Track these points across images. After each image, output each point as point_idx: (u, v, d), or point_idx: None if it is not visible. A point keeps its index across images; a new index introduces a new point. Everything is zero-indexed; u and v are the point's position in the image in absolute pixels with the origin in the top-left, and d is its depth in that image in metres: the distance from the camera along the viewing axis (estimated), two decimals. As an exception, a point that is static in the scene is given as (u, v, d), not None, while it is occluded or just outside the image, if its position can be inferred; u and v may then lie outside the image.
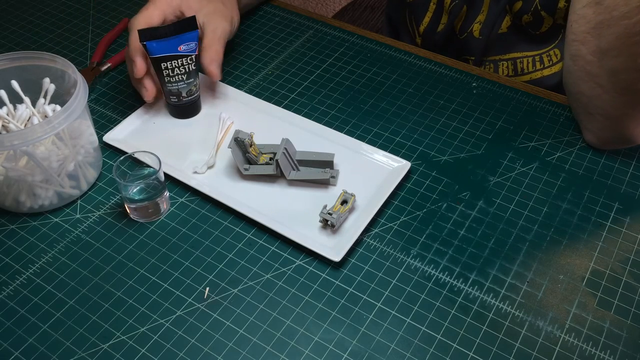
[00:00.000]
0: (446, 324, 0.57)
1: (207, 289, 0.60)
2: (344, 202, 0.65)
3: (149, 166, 0.66)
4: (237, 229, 0.65)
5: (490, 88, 0.81)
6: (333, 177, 0.68)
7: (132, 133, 0.75)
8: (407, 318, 0.58)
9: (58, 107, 0.68)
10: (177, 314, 0.58)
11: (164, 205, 0.66)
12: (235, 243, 0.64)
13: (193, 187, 0.68)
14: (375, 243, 0.64)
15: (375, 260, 0.62)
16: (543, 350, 0.55)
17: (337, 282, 0.60)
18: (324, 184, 0.68)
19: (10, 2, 0.97)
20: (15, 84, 0.66)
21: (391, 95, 0.80)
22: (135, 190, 0.65)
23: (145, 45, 0.70)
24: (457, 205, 0.67)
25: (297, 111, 0.77)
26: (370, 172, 0.69)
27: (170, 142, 0.74)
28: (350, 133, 0.75)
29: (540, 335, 0.57)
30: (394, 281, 0.61)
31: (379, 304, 0.59)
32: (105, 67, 0.83)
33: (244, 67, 0.85)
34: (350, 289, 0.60)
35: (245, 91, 0.80)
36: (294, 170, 0.69)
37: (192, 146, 0.73)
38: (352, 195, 0.65)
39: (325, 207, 0.64)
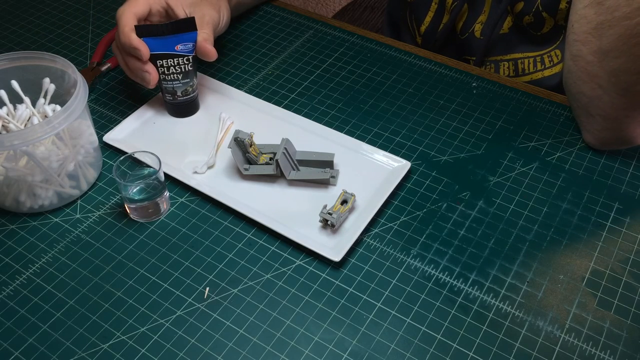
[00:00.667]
0: (446, 324, 0.57)
1: (207, 289, 0.60)
2: (344, 202, 0.65)
3: (149, 166, 0.66)
4: (237, 229, 0.65)
5: (490, 88, 0.81)
6: (333, 177, 0.68)
7: (132, 133, 0.75)
8: (407, 318, 0.58)
9: (58, 107, 0.68)
10: (177, 314, 0.58)
11: (164, 205, 0.66)
12: (235, 243, 0.64)
13: (193, 187, 0.68)
14: (375, 243, 0.64)
15: (375, 260, 0.62)
16: (543, 350, 0.55)
17: (337, 282, 0.60)
18: (324, 184, 0.68)
19: (10, 2, 0.97)
20: (15, 84, 0.66)
21: (391, 95, 0.80)
22: (135, 190, 0.65)
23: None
24: (457, 205, 0.67)
25: (297, 111, 0.77)
26: (370, 172, 0.69)
27: (170, 142, 0.74)
28: (350, 133, 0.75)
29: (540, 335, 0.57)
30: (394, 281, 0.61)
31: (379, 304, 0.59)
32: (105, 67, 0.83)
33: (244, 67, 0.85)
34: (350, 289, 0.60)
35: (245, 91, 0.80)
36: (294, 170, 0.69)
37: (192, 146, 0.73)
38: (352, 195, 0.65)
39: (325, 207, 0.64)
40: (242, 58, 0.86)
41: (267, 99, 0.79)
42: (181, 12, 0.74)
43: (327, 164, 0.69)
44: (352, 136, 0.74)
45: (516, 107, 0.78)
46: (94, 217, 0.66)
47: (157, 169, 0.63)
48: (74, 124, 0.64)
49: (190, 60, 0.72)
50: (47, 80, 0.68)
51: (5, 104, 0.66)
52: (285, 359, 0.55)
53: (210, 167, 0.70)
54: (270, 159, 0.68)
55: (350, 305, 0.59)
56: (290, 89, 0.81)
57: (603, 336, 0.56)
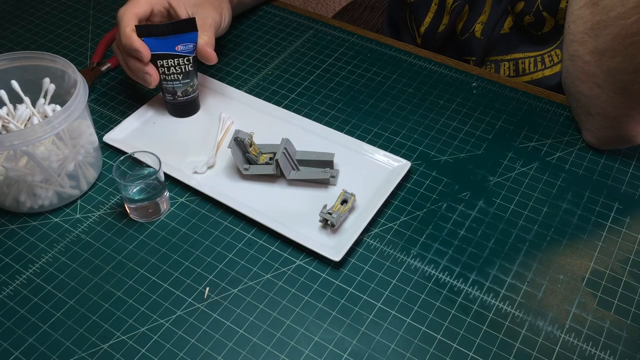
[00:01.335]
0: (446, 324, 0.57)
1: (207, 289, 0.60)
2: (344, 201, 0.65)
3: (149, 166, 0.66)
4: (237, 229, 0.65)
5: (490, 88, 0.81)
6: (333, 176, 0.68)
7: (132, 133, 0.75)
8: (407, 318, 0.58)
9: (58, 107, 0.68)
10: (177, 314, 0.58)
11: (164, 205, 0.66)
12: (235, 243, 0.64)
13: (193, 187, 0.68)
14: (375, 243, 0.64)
15: (375, 260, 0.62)
16: (543, 350, 0.55)
17: (337, 282, 0.60)
18: (324, 183, 0.68)
19: (10, 2, 0.97)
20: (15, 84, 0.66)
21: (391, 95, 0.80)
22: (135, 190, 0.65)
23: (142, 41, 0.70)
24: (457, 205, 0.67)
25: (297, 111, 0.77)
26: (370, 172, 0.69)
27: (170, 142, 0.74)
28: (350, 133, 0.75)
29: (540, 335, 0.57)
30: (394, 281, 0.61)
31: (379, 304, 0.59)
32: (105, 67, 0.83)
33: (244, 67, 0.85)
34: (350, 289, 0.60)
35: (245, 91, 0.80)
36: (294, 170, 0.69)
37: (192, 146, 0.73)
38: (352, 195, 0.65)
39: (325, 206, 0.64)
40: (242, 58, 0.86)
41: (267, 99, 0.79)
42: (183, 13, 0.74)
43: (327, 164, 0.69)
44: (352, 136, 0.74)
45: (516, 107, 0.78)
46: (94, 217, 0.66)
47: (157, 169, 0.63)
48: (74, 124, 0.64)
49: (191, 61, 0.72)
50: (47, 80, 0.68)
51: (5, 104, 0.66)
52: (285, 359, 0.55)
53: (210, 167, 0.70)
54: (270, 159, 0.68)
55: (350, 305, 0.59)
56: (290, 89, 0.81)
57: (603, 336, 0.56)
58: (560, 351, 0.55)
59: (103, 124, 0.77)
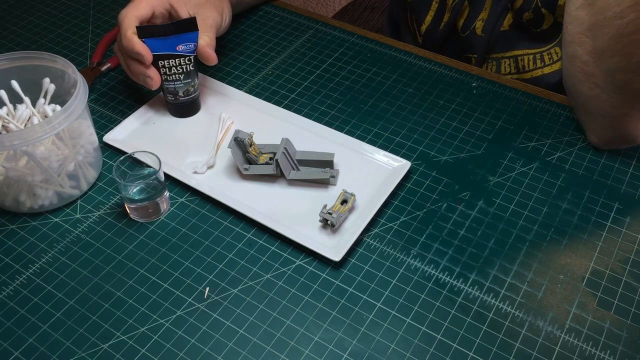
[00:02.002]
0: (446, 324, 0.57)
1: (207, 289, 0.60)
2: (344, 201, 0.65)
3: (149, 166, 0.66)
4: (237, 229, 0.65)
5: (490, 88, 0.81)
6: (333, 176, 0.68)
7: (132, 133, 0.75)
8: (407, 318, 0.58)
9: (58, 107, 0.68)
10: (177, 314, 0.58)
11: (164, 205, 0.66)
12: (235, 243, 0.64)
13: (193, 187, 0.68)
14: (375, 243, 0.64)
15: (375, 260, 0.62)
16: (543, 350, 0.55)
17: (337, 282, 0.60)
18: (324, 183, 0.68)
19: (10, 2, 0.97)
20: (15, 84, 0.66)
21: (391, 95, 0.80)
22: (135, 190, 0.65)
23: (144, 42, 0.70)
24: (457, 205, 0.67)
25: (297, 111, 0.77)
26: (370, 172, 0.69)
27: (170, 142, 0.74)
28: (350, 133, 0.75)
29: (540, 335, 0.57)
30: (394, 281, 0.61)
31: (379, 304, 0.59)
32: (105, 67, 0.83)
33: (244, 67, 0.85)
34: (350, 289, 0.60)
35: (245, 91, 0.80)
36: (294, 170, 0.69)
37: (192, 146, 0.73)
38: (352, 195, 0.65)
39: (325, 206, 0.64)
40: (242, 58, 0.86)
41: (267, 99, 0.79)
42: (185, 14, 0.74)
43: (327, 163, 0.69)
44: (352, 136, 0.74)
45: (516, 107, 0.78)
46: (94, 217, 0.66)
47: (157, 169, 0.63)
48: (74, 124, 0.64)
49: (192, 60, 0.72)
50: (47, 80, 0.68)
51: (5, 104, 0.66)
52: (285, 359, 0.55)
53: (210, 167, 0.70)
54: (270, 159, 0.68)
55: (350, 305, 0.59)
56: (290, 89, 0.81)
57: (603, 336, 0.56)
58: (560, 351, 0.55)
59: (103, 124, 0.77)
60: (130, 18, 0.70)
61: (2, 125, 0.66)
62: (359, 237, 0.63)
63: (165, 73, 0.72)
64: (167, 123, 0.76)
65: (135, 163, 0.67)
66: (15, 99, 0.66)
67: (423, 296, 0.59)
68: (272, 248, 0.63)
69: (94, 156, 0.69)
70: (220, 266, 0.62)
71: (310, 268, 0.62)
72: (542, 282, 0.60)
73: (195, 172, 0.70)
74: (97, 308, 0.59)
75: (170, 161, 0.70)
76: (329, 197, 0.67)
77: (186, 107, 0.76)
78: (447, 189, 0.69)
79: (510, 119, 0.77)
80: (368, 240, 0.64)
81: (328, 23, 0.92)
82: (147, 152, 0.65)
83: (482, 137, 0.74)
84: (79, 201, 0.68)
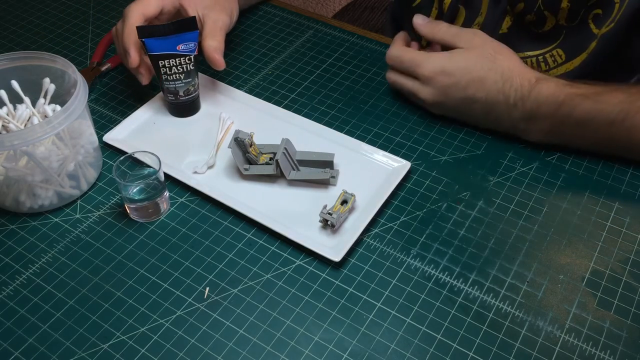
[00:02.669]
0: (446, 324, 0.57)
1: (207, 289, 0.60)
2: (344, 202, 0.65)
3: (149, 166, 0.66)
4: (237, 229, 0.65)
5: (490, 88, 0.81)
6: (333, 177, 0.68)
7: (132, 133, 0.75)
8: (407, 318, 0.58)
9: (58, 107, 0.68)
10: (177, 314, 0.58)
11: (164, 205, 0.66)
12: (235, 243, 0.64)
13: (193, 187, 0.68)
14: (375, 243, 0.64)
15: (375, 260, 0.62)
16: (543, 350, 0.55)
17: (337, 282, 0.60)
18: (324, 184, 0.68)
19: (10, 2, 0.97)
20: (15, 84, 0.66)
21: (391, 95, 0.80)
22: (135, 190, 0.65)
23: (144, 42, 0.70)
24: (457, 205, 0.67)
25: (297, 111, 0.77)
26: (370, 172, 0.69)
27: (170, 142, 0.74)
28: (350, 133, 0.75)
29: (540, 335, 0.57)
30: (394, 281, 0.61)
31: (379, 304, 0.59)
32: (105, 67, 0.83)
33: (244, 67, 0.85)
34: (350, 289, 0.60)
35: (245, 91, 0.80)
36: (294, 170, 0.69)
37: (192, 146, 0.73)
38: (352, 195, 0.65)
39: (325, 207, 0.64)
40: (242, 58, 0.86)
41: (267, 99, 0.79)
42: (192, 11, 0.74)
43: (327, 164, 0.69)
44: (352, 136, 0.74)
45: (516, 107, 0.78)
46: (94, 217, 0.66)
47: (157, 169, 0.63)
48: (74, 124, 0.64)
49: (192, 60, 0.72)
50: (47, 80, 0.68)
51: (5, 104, 0.66)
52: (285, 359, 0.55)
53: (210, 167, 0.70)
54: (270, 159, 0.68)
55: (350, 305, 0.59)
56: (290, 89, 0.81)
57: (603, 336, 0.56)
58: (560, 351, 0.55)
59: (103, 124, 0.77)
60: (135, 16, 0.71)
61: (2, 125, 0.66)
62: (359, 237, 0.63)
63: (165, 73, 0.72)
64: (167, 123, 0.76)
65: (135, 163, 0.67)
66: (15, 99, 0.66)
67: (423, 296, 0.59)
68: (272, 248, 0.63)
69: (94, 156, 0.69)
70: (220, 266, 0.62)
71: (310, 268, 0.62)
72: (542, 282, 0.60)
73: (195, 172, 0.70)
74: (97, 308, 0.59)
75: (170, 161, 0.70)
76: (329, 197, 0.67)
77: (187, 107, 0.76)
78: (447, 189, 0.69)
79: (510, 119, 0.77)
80: (368, 240, 0.64)
81: (328, 23, 0.92)
82: (147, 152, 0.65)
83: (482, 137, 0.74)
84: (79, 201, 0.68)
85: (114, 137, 0.73)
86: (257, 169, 0.68)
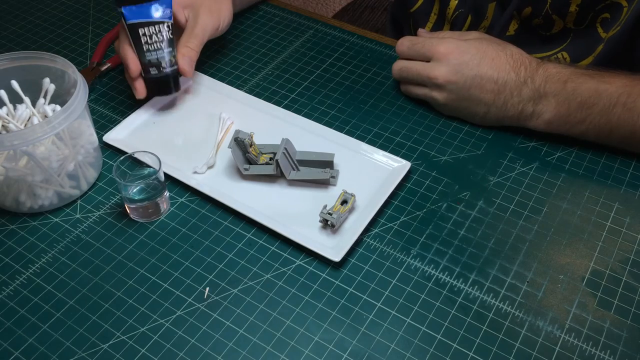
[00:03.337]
0: (446, 324, 0.57)
1: (207, 289, 0.60)
2: (344, 202, 0.65)
3: (149, 166, 0.66)
4: (237, 229, 0.65)
5: (490, 88, 0.81)
6: (333, 177, 0.68)
7: (132, 133, 0.75)
8: (407, 318, 0.58)
9: (58, 107, 0.68)
10: (177, 314, 0.58)
11: (164, 205, 0.66)
12: (235, 243, 0.64)
13: (193, 187, 0.68)
14: (375, 243, 0.64)
15: (375, 260, 0.62)
16: (543, 350, 0.55)
17: (337, 282, 0.60)
18: (324, 184, 0.68)
19: (10, 2, 0.97)
20: (15, 84, 0.66)
21: (391, 95, 0.80)
22: (135, 190, 0.65)
23: (123, 13, 0.70)
24: (457, 205, 0.67)
25: (297, 111, 0.77)
26: (370, 172, 0.69)
27: (170, 142, 0.74)
28: (350, 133, 0.75)
29: (540, 335, 0.57)
30: (394, 281, 0.61)
31: (379, 304, 0.59)
32: (105, 67, 0.83)
33: (244, 67, 0.85)
34: (350, 289, 0.60)
35: (245, 91, 0.80)
36: (294, 170, 0.69)
37: (192, 146, 0.73)
38: (352, 195, 0.65)
39: (325, 207, 0.64)
40: (242, 58, 0.86)
41: (267, 99, 0.79)
42: (181, 16, 0.75)
43: (327, 164, 0.69)
44: (352, 136, 0.74)
45: (516, 107, 0.78)
46: (94, 217, 0.66)
47: (157, 169, 0.63)
48: (74, 124, 0.64)
49: (170, 27, 0.72)
50: (47, 80, 0.68)
51: (5, 104, 0.66)
52: (285, 359, 0.55)
53: (210, 167, 0.70)
54: (270, 159, 0.68)
55: (350, 305, 0.59)
56: (290, 89, 0.81)
57: (603, 336, 0.56)
58: (560, 351, 0.55)
59: (103, 124, 0.77)
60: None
61: (2, 125, 0.66)
62: (359, 237, 0.63)
63: (146, 42, 0.71)
64: (167, 123, 0.76)
65: (135, 163, 0.67)
66: (15, 99, 0.66)
67: (423, 296, 0.59)
68: (272, 248, 0.63)
69: (94, 156, 0.69)
70: (220, 266, 0.62)
71: (310, 268, 0.62)
72: (542, 282, 0.60)
73: (195, 172, 0.70)
74: (97, 308, 0.59)
75: (170, 161, 0.70)
76: (329, 197, 0.67)
77: (168, 81, 0.74)
78: (447, 189, 0.69)
79: (510, 119, 0.77)
80: (368, 240, 0.64)
81: (328, 23, 0.92)
82: (147, 152, 0.65)
83: (482, 137, 0.74)
84: (79, 201, 0.68)
85: (114, 137, 0.73)
86: (257, 169, 0.68)
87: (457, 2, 0.87)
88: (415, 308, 0.58)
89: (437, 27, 0.91)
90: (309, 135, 0.73)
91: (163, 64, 0.73)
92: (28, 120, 0.67)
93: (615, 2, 0.76)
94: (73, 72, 0.66)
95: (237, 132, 0.67)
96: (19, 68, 0.67)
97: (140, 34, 0.71)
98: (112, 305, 0.59)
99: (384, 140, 0.74)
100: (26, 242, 0.64)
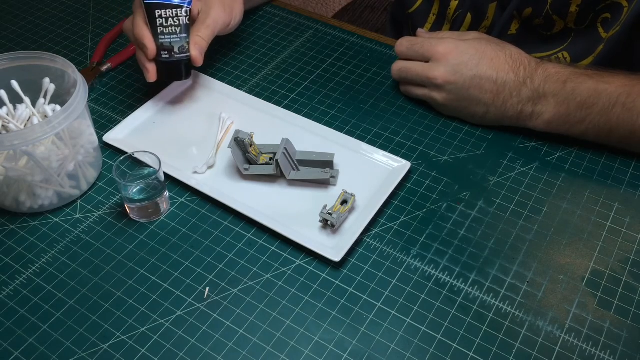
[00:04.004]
0: (446, 324, 0.57)
1: (207, 289, 0.60)
2: (344, 202, 0.65)
3: (149, 166, 0.66)
4: (237, 229, 0.65)
5: (490, 88, 0.81)
6: (333, 177, 0.68)
7: (132, 133, 0.75)
8: (407, 318, 0.58)
9: (58, 107, 0.68)
10: (177, 314, 0.58)
11: (164, 205, 0.66)
12: (235, 243, 0.64)
13: (193, 187, 0.68)
14: (375, 243, 0.64)
15: (375, 260, 0.62)
16: (543, 350, 0.55)
17: (337, 282, 0.60)
18: (324, 184, 0.68)
19: (11, 2, 0.97)
20: (15, 84, 0.66)
21: (391, 95, 0.80)
22: (135, 190, 0.65)
23: None
24: (457, 205, 0.67)
25: (297, 111, 0.77)
26: (370, 172, 0.69)
27: (170, 142, 0.74)
28: (350, 133, 0.75)
29: (540, 335, 0.57)
30: (394, 281, 0.61)
31: (379, 304, 0.59)
32: (105, 67, 0.83)
33: (244, 67, 0.85)
34: (350, 289, 0.60)
35: (245, 91, 0.80)
36: (294, 170, 0.69)
37: (192, 146, 0.73)
38: (352, 195, 0.65)
39: (325, 207, 0.64)
40: (242, 58, 0.86)
41: (267, 99, 0.79)
42: (195, 7, 0.74)
43: (327, 164, 0.69)
44: (352, 136, 0.74)
45: (516, 107, 0.78)
46: (94, 217, 0.66)
47: (157, 169, 0.63)
48: (74, 124, 0.64)
49: (188, 13, 0.72)
50: (47, 80, 0.68)
51: (5, 104, 0.66)
52: (285, 359, 0.55)
53: (210, 167, 0.71)
54: (270, 159, 0.68)
55: (350, 305, 0.59)
56: (290, 89, 0.81)
57: (603, 336, 0.56)
58: (560, 351, 0.55)
59: (103, 124, 0.77)
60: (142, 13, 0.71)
61: (2, 125, 0.66)
62: (359, 237, 0.63)
63: (162, 25, 0.71)
64: (167, 123, 0.76)
65: (135, 163, 0.67)
66: (15, 99, 0.66)
67: (423, 296, 0.59)
68: (272, 248, 0.63)
69: (94, 156, 0.69)
70: (220, 266, 0.62)
71: (310, 268, 0.62)
72: (542, 282, 0.60)
73: (195, 172, 0.70)
74: (97, 308, 0.59)
75: (170, 161, 0.70)
76: (329, 197, 0.67)
77: (179, 68, 0.74)
78: (447, 189, 0.69)
79: (510, 119, 0.77)
80: (368, 240, 0.64)
81: (328, 23, 0.92)
82: (147, 152, 0.65)
83: (482, 137, 0.74)
84: (79, 201, 0.68)
85: (114, 137, 0.73)
86: (257, 169, 0.68)
87: (457, 2, 0.87)
88: (415, 308, 0.58)
89: (437, 28, 0.91)
90: (309, 135, 0.73)
91: (176, 49, 0.72)
92: (28, 120, 0.67)
93: (616, 2, 0.76)
94: (73, 72, 0.66)
95: (237, 132, 0.67)
96: (19, 68, 0.67)
97: (157, 15, 0.70)
98: (112, 305, 0.59)
99: (384, 140, 0.74)
100: (26, 242, 0.64)
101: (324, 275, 0.61)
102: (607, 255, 0.63)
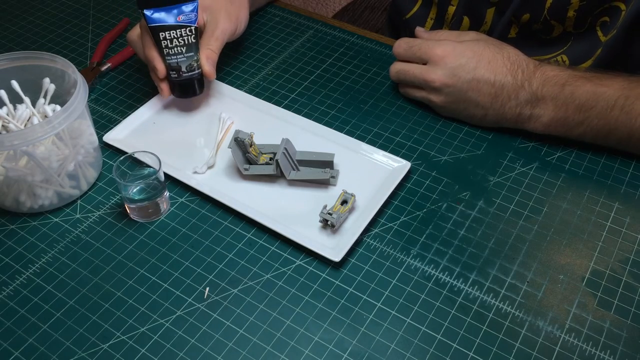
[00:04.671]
0: (446, 324, 0.57)
1: (207, 289, 0.60)
2: (344, 202, 0.65)
3: (149, 166, 0.66)
4: (237, 229, 0.65)
5: (490, 88, 0.81)
6: (333, 177, 0.68)
7: (132, 133, 0.75)
8: (407, 318, 0.58)
9: (58, 107, 0.68)
10: (177, 314, 0.58)
11: (164, 205, 0.66)
12: (235, 243, 0.64)
13: (193, 187, 0.68)
14: (375, 243, 0.64)
15: (375, 260, 0.62)
16: (543, 350, 0.55)
17: (337, 282, 0.60)
18: (324, 184, 0.68)
19: (10, 2, 0.97)
20: (15, 84, 0.66)
21: (391, 95, 0.80)
22: (135, 190, 0.65)
23: (144, 14, 0.70)
24: (457, 205, 0.67)
25: (297, 111, 0.77)
26: (370, 172, 0.69)
27: (170, 142, 0.74)
28: (350, 133, 0.75)
29: (540, 335, 0.57)
30: (394, 281, 0.61)
31: (379, 304, 0.59)
32: (105, 67, 0.83)
33: (244, 67, 0.85)
34: (350, 289, 0.60)
35: (245, 91, 0.80)
36: (294, 170, 0.69)
37: (192, 146, 0.73)
38: (352, 195, 0.65)
39: (325, 207, 0.64)
40: (242, 58, 0.86)
41: (267, 99, 0.79)
42: (200, 19, 0.75)
43: (327, 164, 0.69)
44: (352, 136, 0.74)
45: (516, 107, 0.78)
46: (94, 217, 0.66)
47: (157, 169, 0.63)
48: (74, 124, 0.64)
49: (193, 32, 0.72)
50: (47, 80, 0.68)
51: (5, 104, 0.66)
52: (285, 359, 0.55)
53: (210, 167, 0.71)
54: (270, 159, 0.68)
55: (350, 305, 0.59)
56: (290, 89, 0.81)
57: (603, 336, 0.56)
58: (560, 351, 0.55)
59: (103, 124, 0.77)
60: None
61: (2, 125, 0.66)
62: (359, 237, 0.63)
63: (167, 46, 0.71)
64: (167, 123, 0.76)
65: (135, 163, 0.67)
66: (15, 99, 0.66)
67: (423, 296, 0.59)
68: (272, 248, 0.63)
69: (94, 156, 0.69)
70: (220, 266, 0.62)
71: (310, 268, 0.62)
72: (542, 282, 0.60)
73: (195, 172, 0.70)
74: (97, 308, 0.59)
75: (170, 161, 0.70)
76: (329, 197, 0.67)
77: (189, 85, 0.74)
78: (447, 189, 0.69)
79: (510, 119, 0.77)
80: (368, 240, 0.64)
81: (328, 23, 0.92)
82: (147, 152, 0.65)
83: (482, 137, 0.74)
84: (79, 201, 0.68)
85: (114, 137, 0.73)
86: (257, 169, 0.68)
87: (455, 7, 0.87)
88: (415, 308, 0.58)
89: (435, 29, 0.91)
90: (309, 135, 0.73)
91: (183, 69, 0.73)
92: (28, 120, 0.67)
93: (614, 5, 0.76)
94: (73, 72, 0.66)
95: (237, 132, 0.67)
96: (19, 68, 0.67)
97: (161, 37, 0.71)
98: (112, 305, 0.59)
99: (384, 140, 0.74)
100: (26, 242, 0.64)
101: (324, 275, 0.61)
102: (607, 255, 0.63)
